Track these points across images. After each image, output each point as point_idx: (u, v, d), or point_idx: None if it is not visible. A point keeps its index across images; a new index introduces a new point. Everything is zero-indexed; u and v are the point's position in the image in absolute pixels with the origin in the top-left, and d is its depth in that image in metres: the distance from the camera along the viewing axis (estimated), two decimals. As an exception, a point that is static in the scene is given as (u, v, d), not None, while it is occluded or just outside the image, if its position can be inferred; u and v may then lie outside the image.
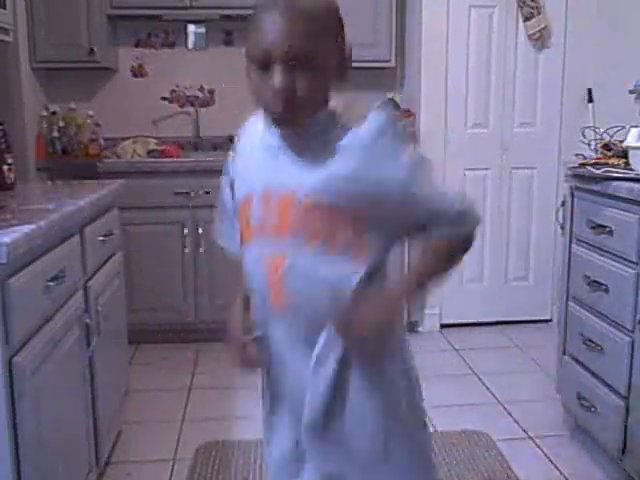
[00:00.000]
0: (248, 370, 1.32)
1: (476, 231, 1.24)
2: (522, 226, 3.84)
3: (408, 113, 3.81)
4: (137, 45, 3.99)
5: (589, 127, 2.82)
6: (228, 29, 3.99)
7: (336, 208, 1.14)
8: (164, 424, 2.74)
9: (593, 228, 2.30)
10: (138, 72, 4.01)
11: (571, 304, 2.50)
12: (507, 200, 3.81)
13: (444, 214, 1.19)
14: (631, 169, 2.17)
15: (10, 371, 1.44)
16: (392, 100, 3.96)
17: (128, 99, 3.98)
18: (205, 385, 3.09)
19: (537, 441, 2.57)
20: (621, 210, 2.14)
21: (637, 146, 2.17)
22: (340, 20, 1.16)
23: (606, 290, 2.22)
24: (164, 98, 4.04)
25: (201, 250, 3.54)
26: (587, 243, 2.37)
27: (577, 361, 2.45)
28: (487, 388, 3.06)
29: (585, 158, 2.43)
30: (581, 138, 2.60)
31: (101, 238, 2.25)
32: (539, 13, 3.62)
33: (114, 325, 2.43)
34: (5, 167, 2.27)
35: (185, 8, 3.67)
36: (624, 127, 2.39)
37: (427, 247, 1.23)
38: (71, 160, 3.68)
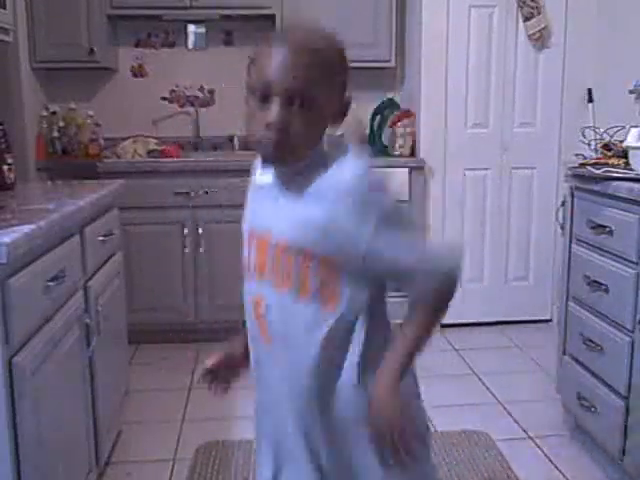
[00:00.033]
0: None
1: (454, 285, 1.17)
2: (522, 226, 3.84)
3: (408, 113, 3.81)
4: (137, 45, 3.99)
5: (589, 127, 2.82)
6: (228, 29, 4.00)
7: (306, 254, 1.13)
8: (164, 424, 2.74)
9: (593, 228, 2.30)
10: (138, 72, 4.01)
11: (571, 304, 2.50)
12: (507, 200, 3.81)
13: (411, 275, 1.15)
14: (631, 169, 2.17)
15: (10, 371, 1.44)
16: (391, 100, 3.96)
17: (128, 99, 3.98)
18: (205, 385, 3.08)
19: (537, 441, 2.57)
20: (621, 210, 2.14)
21: (637, 146, 2.17)
22: (345, 65, 1.15)
23: (606, 290, 2.22)
24: (164, 98, 4.04)
25: (201, 250, 3.54)
26: (587, 243, 2.37)
27: (577, 361, 2.45)
28: (487, 388, 3.06)
29: (585, 158, 2.42)
30: (581, 138, 2.60)
31: (101, 238, 2.25)
32: (539, 13, 3.62)
33: (114, 325, 2.43)
34: (5, 167, 2.27)
35: (185, 8, 3.67)
36: (624, 127, 2.39)
37: (410, 312, 1.18)
38: (71, 160, 3.68)
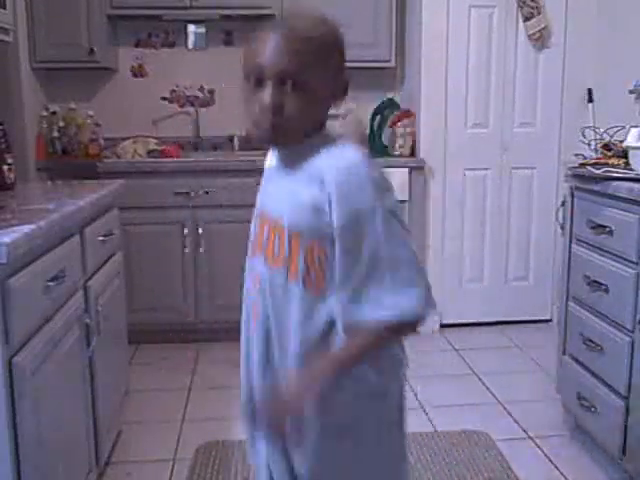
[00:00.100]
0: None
1: (413, 330, 1.14)
2: (522, 226, 3.84)
3: (408, 113, 3.81)
4: (137, 45, 3.99)
5: (589, 127, 2.82)
6: (228, 29, 4.00)
7: (296, 235, 1.14)
8: (164, 424, 2.74)
9: (593, 228, 2.30)
10: (138, 72, 4.01)
11: (571, 304, 2.50)
12: (507, 200, 3.81)
13: (381, 280, 1.10)
14: (631, 169, 2.17)
15: (10, 371, 1.44)
16: (391, 100, 3.96)
17: (128, 99, 3.98)
18: (205, 385, 3.09)
19: (537, 441, 2.57)
20: (621, 210, 2.14)
21: (637, 146, 2.17)
22: (340, 48, 1.17)
23: (606, 290, 2.22)
24: (164, 98, 4.04)
25: (201, 250, 3.54)
26: (587, 243, 2.37)
27: (577, 361, 2.46)
28: (487, 388, 3.06)
29: (585, 158, 2.42)
30: (581, 138, 2.60)
31: (101, 238, 2.25)
32: (539, 13, 3.62)
33: (114, 325, 2.43)
34: (5, 167, 2.27)
35: (185, 8, 3.67)
36: (624, 127, 2.39)
37: (364, 329, 1.14)
38: (71, 160, 3.68)
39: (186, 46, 4.01)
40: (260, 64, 1.11)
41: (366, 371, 1.20)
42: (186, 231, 3.52)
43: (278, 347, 1.21)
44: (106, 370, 2.24)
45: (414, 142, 3.78)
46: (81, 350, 1.97)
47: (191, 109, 4.04)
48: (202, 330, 3.55)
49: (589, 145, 2.53)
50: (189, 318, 3.60)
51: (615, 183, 2.15)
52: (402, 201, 3.54)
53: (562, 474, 2.35)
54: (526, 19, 3.64)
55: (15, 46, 3.30)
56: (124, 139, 3.79)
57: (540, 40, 3.67)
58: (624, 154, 2.26)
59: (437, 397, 2.95)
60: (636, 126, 2.23)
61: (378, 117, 3.90)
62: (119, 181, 2.61)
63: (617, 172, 2.18)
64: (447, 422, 2.70)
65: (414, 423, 2.68)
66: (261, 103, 1.11)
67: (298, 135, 1.16)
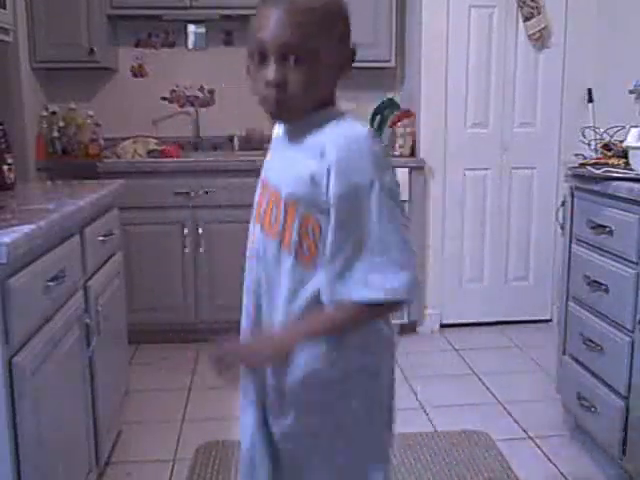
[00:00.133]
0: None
1: (400, 299, 1.13)
2: (522, 226, 3.84)
3: (408, 113, 3.81)
4: (137, 45, 3.99)
5: (589, 127, 2.82)
6: (228, 29, 4.00)
7: (292, 206, 1.15)
8: (164, 424, 2.74)
9: (593, 228, 2.30)
10: (138, 72, 4.01)
11: (571, 304, 2.50)
12: (507, 200, 3.81)
13: (370, 259, 1.10)
14: (631, 169, 2.17)
15: (10, 371, 1.44)
16: (391, 100, 3.96)
17: (128, 99, 3.98)
18: (205, 385, 3.09)
19: (537, 441, 2.57)
20: (621, 210, 2.14)
21: (637, 146, 2.17)
22: (344, 20, 1.17)
23: (606, 290, 2.22)
24: (164, 98, 4.04)
25: (201, 250, 3.54)
26: (587, 243, 2.37)
27: (577, 361, 2.45)
28: (487, 388, 3.06)
29: (585, 158, 2.43)
30: (581, 138, 2.60)
31: (101, 238, 2.25)
32: (539, 13, 3.62)
33: (114, 325, 2.43)
34: (5, 167, 2.27)
35: (185, 8, 3.67)
36: (624, 127, 2.39)
37: (345, 304, 1.13)
38: (71, 160, 3.68)
39: (186, 46, 4.01)
40: (262, 40, 1.10)
41: (355, 350, 1.20)
42: (186, 231, 3.52)
43: (267, 313, 1.23)
44: (106, 370, 2.24)
45: (414, 142, 3.78)
46: (81, 350, 1.97)
47: (191, 109, 4.04)
48: (202, 330, 3.55)
49: (589, 145, 2.53)
50: (189, 318, 3.60)
51: (615, 183, 2.15)
52: (402, 201, 3.53)
53: (562, 474, 2.35)
54: (526, 19, 3.64)
55: (15, 46, 3.30)
56: (124, 139, 3.79)
57: (540, 40, 3.67)
58: (624, 154, 2.26)
59: (437, 397, 2.95)
60: (636, 126, 2.23)
61: (378, 117, 3.91)
62: (119, 181, 2.61)
63: (617, 172, 2.18)
64: (447, 422, 2.70)
65: (414, 423, 2.70)
66: (265, 79, 1.11)
67: (303, 109, 1.15)
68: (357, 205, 1.09)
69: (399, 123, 3.77)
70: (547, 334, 3.55)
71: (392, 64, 3.84)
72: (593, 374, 2.33)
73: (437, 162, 3.71)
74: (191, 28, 3.99)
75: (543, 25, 3.64)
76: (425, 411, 2.83)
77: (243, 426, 1.32)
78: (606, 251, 2.24)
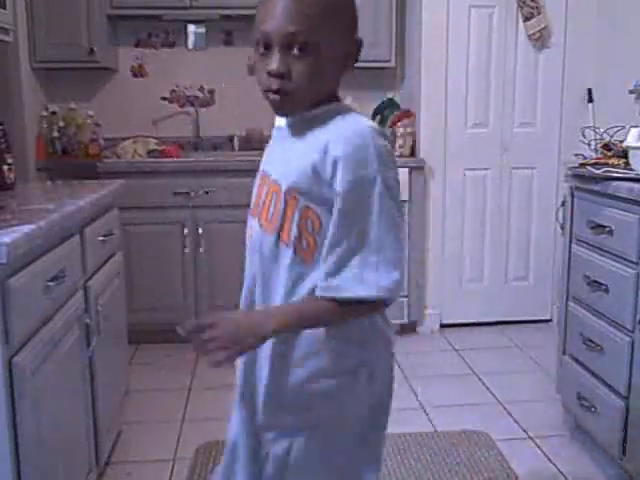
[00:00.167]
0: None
1: (390, 298, 1.12)
2: (522, 226, 3.84)
3: (408, 113, 3.81)
4: (137, 45, 3.99)
5: (589, 127, 2.82)
6: (228, 29, 4.00)
7: (292, 200, 1.14)
8: (164, 424, 2.74)
9: (593, 228, 2.30)
10: (138, 72, 4.01)
11: (571, 304, 2.50)
12: (507, 200, 3.81)
13: (366, 256, 1.09)
14: (631, 169, 2.17)
15: (10, 371, 1.44)
16: (391, 100, 3.96)
17: (128, 99, 3.98)
18: (205, 385, 3.09)
19: (537, 441, 2.57)
20: (621, 210, 2.14)
21: (637, 146, 2.17)
22: (351, 12, 1.16)
23: (606, 290, 2.22)
24: (164, 98, 4.04)
25: (201, 250, 3.54)
26: (587, 243, 2.37)
27: (577, 361, 2.46)
28: (487, 388, 3.06)
29: (585, 158, 2.43)
30: (581, 138, 2.60)
31: (101, 238, 2.25)
32: (539, 13, 3.62)
33: (114, 325, 2.43)
34: (5, 167, 2.27)
35: (185, 8, 3.67)
36: (624, 127, 2.39)
37: (329, 298, 1.11)
38: (71, 160, 3.68)
39: (186, 46, 4.02)
40: (266, 29, 1.09)
41: (355, 345, 1.19)
42: (186, 231, 3.52)
43: (261, 305, 1.22)
44: (106, 370, 2.24)
45: (414, 142, 3.78)
46: (81, 350, 1.97)
47: (191, 109, 4.04)
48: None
49: (589, 145, 2.53)
50: (189, 318, 3.59)
51: (615, 183, 2.15)
52: (402, 201, 3.52)
53: (562, 474, 2.35)
54: (526, 19, 3.64)
55: (15, 46, 3.30)
56: (124, 139, 3.79)
57: (540, 40, 3.67)
58: (624, 154, 2.26)
59: (437, 397, 2.95)
60: (636, 126, 2.23)
61: (378, 117, 3.91)
62: (119, 181, 2.61)
63: (617, 172, 2.18)
64: (447, 422, 2.70)
65: (414, 423, 2.70)
66: (269, 69, 1.10)
67: (307, 101, 1.14)
68: (361, 199, 1.09)
69: (399, 123, 3.77)
70: (547, 334, 3.56)
71: (392, 64, 3.84)
72: (593, 374, 2.33)
73: (437, 162, 3.71)
74: (191, 28, 3.99)
75: (543, 25, 3.64)
76: (425, 411, 2.83)
77: (231, 424, 1.33)
78: (606, 251, 2.24)
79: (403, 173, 3.59)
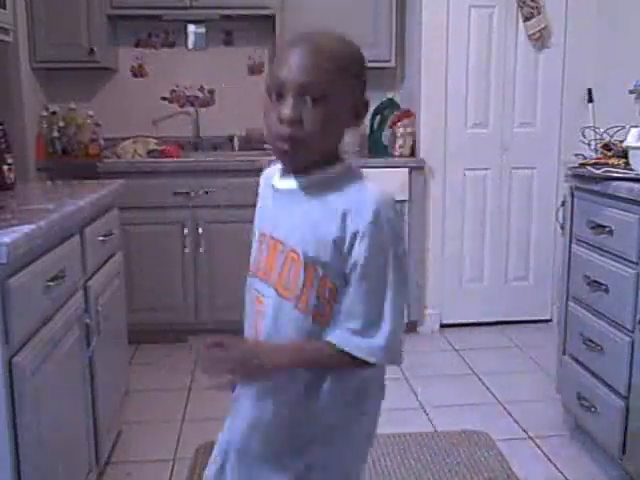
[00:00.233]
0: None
1: (368, 366, 1.16)
2: (522, 226, 3.84)
3: (408, 113, 3.81)
4: (137, 45, 3.99)
5: (589, 127, 2.82)
6: (228, 29, 4.00)
7: (311, 268, 1.14)
8: (164, 424, 2.74)
9: (593, 228, 2.30)
10: (138, 72, 4.01)
11: (571, 304, 2.50)
12: (507, 200, 3.81)
13: (375, 322, 1.13)
14: (631, 169, 2.17)
15: (10, 371, 1.44)
16: (391, 100, 3.96)
17: (128, 99, 3.98)
18: (205, 385, 3.08)
19: (537, 441, 2.57)
20: (621, 210, 2.14)
21: (637, 146, 2.17)
22: (363, 70, 1.19)
23: (606, 290, 2.22)
24: (164, 98, 4.04)
25: (201, 250, 3.54)
26: (587, 243, 2.37)
27: (577, 361, 2.46)
28: (487, 388, 3.06)
29: (585, 158, 2.43)
30: (581, 138, 2.60)
31: (101, 238, 2.25)
32: (539, 13, 3.62)
33: (114, 325, 2.43)
34: (5, 167, 2.27)
35: (185, 8, 3.67)
36: (624, 127, 2.39)
37: (327, 343, 1.15)
38: (71, 160, 3.68)
39: (186, 46, 4.01)
40: (282, 78, 1.11)
41: (349, 394, 1.21)
42: (186, 231, 3.52)
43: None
44: (106, 370, 2.24)
45: (414, 142, 3.78)
46: (81, 350, 1.97)
47: (191, 109, 4.04)
48: (202, 330, 3.55)
49: (589, 145, 2.53)
50: (189, 318, 3.59)
51: (615, 183, 2.15)
52: (402, 201, 3.54)
53: (562, 474, 2.35)
54: (526, 19, 3.64)
55: (15, 46, 3.30)
56: (124, 139, 3.79)
57: (540, 40, 3.67)
58: (624, 154, 2.26)
59: (437, 397, 2.95)
60: (636, 126, 2.23)
61: (378, 117, 3.90)
62: (119, 181, 2.61)
63: (617, 172, 2.18)
64: (447, 422, 2.70)
65: (414, 423, 2.70)
66: (280, 115, 1.11)
67: (316, 153, 1.15)
68: (378, 270, 1.12)
69: (399, 123, 3.77)
70: (547, 334, 3.55)
71: (392, 64, 3.83)
72: (593, 374, 2.33)
73: (437, 162, 3.71)
74: (191, 28, 3.99)
75: (543, 25, 3.64)
76: (425, 411, 2.83)
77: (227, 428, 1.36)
78: (606, 251, 2.24)
79: (403, 173, 3.59)
